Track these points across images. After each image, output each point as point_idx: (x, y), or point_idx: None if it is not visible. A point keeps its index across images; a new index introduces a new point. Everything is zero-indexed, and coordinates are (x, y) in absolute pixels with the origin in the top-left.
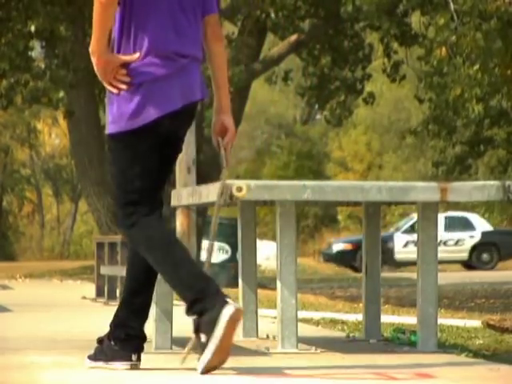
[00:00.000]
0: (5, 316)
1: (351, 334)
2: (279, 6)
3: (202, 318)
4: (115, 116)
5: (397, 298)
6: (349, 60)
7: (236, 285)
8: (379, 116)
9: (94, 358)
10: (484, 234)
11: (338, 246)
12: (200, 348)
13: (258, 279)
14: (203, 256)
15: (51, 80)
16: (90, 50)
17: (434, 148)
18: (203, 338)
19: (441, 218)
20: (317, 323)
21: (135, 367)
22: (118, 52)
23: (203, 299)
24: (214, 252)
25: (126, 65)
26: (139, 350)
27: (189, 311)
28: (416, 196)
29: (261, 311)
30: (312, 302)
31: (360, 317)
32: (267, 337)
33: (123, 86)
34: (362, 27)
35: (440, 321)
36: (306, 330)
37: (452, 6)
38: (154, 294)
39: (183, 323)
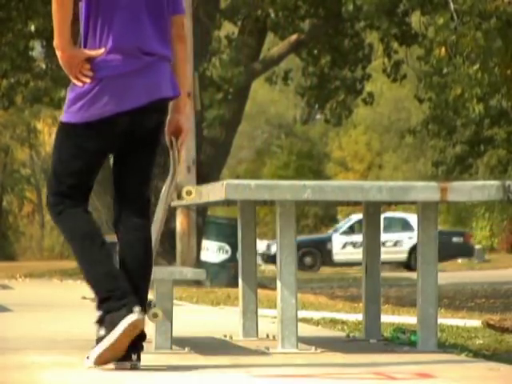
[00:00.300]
0: (5, 316)
1: (351, 334)
2: (279, 5)
3: (107, 315)
4: (72, 106)
5: (397, 298)
6: (349, 60)
7: (236, 285)
8: (379, 116)
9: None
10: None
11: (275, 248)
12: (96, 339)
13: (258, 279)
14: (203, 256)
15: (52, 80)
16: (54, 44)
17: (433, 148)
18: (102, 331)
19: None
20: (317, 323)
21: (135, 367)
22: (85, 47)
23: (111, 299)
24: (213, 252)
25: (91, 59)
26: (139, 349)
27: (98, 307)
28: (416, 196)
29: (261, 311)
30: (312, 302)
31: (360, 317)
32: (267, 337)
33: (87, 80)
34: (362, 27)
35: (440, 321)
36: (305, 330)
37: (452, 6)
38: (154, 294)
39: (183, 323)
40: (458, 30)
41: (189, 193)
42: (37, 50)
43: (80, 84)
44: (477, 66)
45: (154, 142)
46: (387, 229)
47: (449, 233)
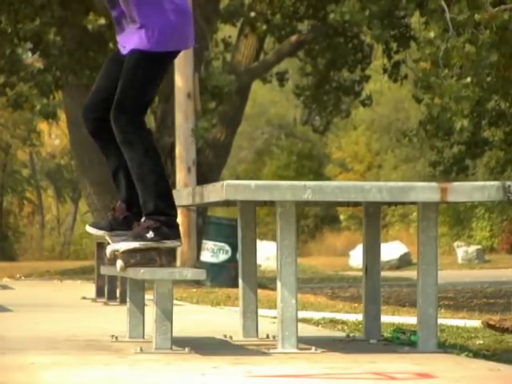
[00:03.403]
0: (5, 316)
1: (351, 334)
2: (277, 7)
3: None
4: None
5: (397, 298)
6: (348, 61)
7: (236, 285)
8: (379, 116)
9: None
10: None
11: None
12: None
13: (258, 279)
14: (203, 256)
15: (36, 85)
16: None
17: (431, 148)
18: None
19: None
20: (317, 323)
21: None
22: None
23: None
24: (214, 252)
25: None
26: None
27: (151, 215)
28: (416, 196)
29: (261, 311)
30: (312, 302)
31: (360, 317)
32: (267, 337)
33: None
34: (360, 29)
35: (440, 321)
36: (305, 330)
37: (448, 15)
38: (154, 293)
39: (183, 323)
40: (450, 43)
41: None
42: (25, 53)
43: None
44: (466, 81)
45: None
46: None
47: None
